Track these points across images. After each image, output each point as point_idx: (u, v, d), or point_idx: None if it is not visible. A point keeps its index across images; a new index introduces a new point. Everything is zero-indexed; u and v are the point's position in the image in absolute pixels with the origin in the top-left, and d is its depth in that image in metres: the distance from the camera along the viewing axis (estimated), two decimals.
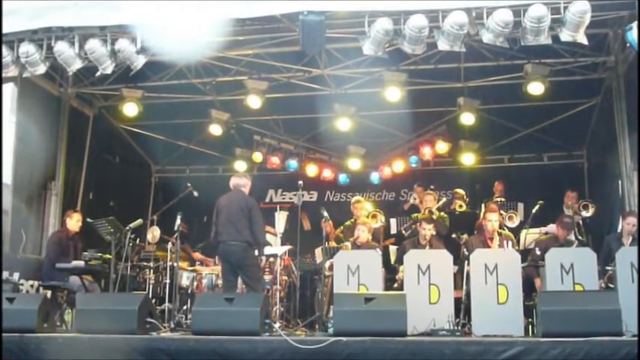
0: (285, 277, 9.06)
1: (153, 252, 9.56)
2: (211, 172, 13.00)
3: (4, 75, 7.84)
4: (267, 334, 6.34)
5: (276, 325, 6.86)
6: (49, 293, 8.20)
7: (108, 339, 6.09)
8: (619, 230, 8.31)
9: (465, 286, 7.62)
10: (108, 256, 8.26)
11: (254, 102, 10.50)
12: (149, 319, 6.67)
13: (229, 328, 6.12)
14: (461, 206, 10.05)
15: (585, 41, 6.96)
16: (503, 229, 8.88)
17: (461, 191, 10.56)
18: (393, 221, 10.26)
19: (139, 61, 7.62)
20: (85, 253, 8.48)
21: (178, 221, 8.09)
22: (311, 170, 12.34)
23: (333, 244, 9.10)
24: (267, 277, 8.72)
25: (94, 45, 7.46)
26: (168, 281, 8.76)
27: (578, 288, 6.95)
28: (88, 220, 8.75)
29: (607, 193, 10.12)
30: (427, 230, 8.53)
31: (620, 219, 8.36)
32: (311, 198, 12.72)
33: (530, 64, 9.47)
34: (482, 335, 6.71)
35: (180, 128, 12.12)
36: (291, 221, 9.56)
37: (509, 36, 7.04)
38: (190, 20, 6.99)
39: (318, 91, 10.78)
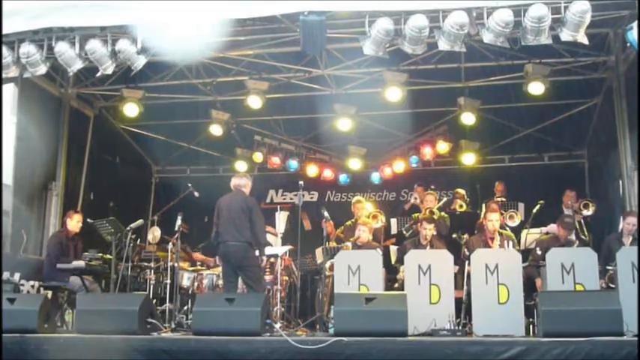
0: (286, 278, 9.04)
1: (153, 252, 9.54)
2: (212, 172, 13.00)
3: (4, 75, 7.85)
4: (268, 334, 6.35)
5: (277, 326, 6.86)
6: (49, 294, 8.18)
7: (109, 339, 6.10)
8: (619, 230, 8.32)
9: (465, 286, 7.62)
10: (108, 256, 8.28)
11: (254, 102, 10.49)
12: (150, 320, 6.68)
13: (230, 329, 6.12)
14: (461, 206, 10.04)
15: (586, 41, 6.95)
16: (504, 229, 8.87)
17: (461, 191, 10.53)
18: (393, 221, 10.27)
19: (140, 62, 7.61)
20: (86, 253, 8.47)
21: (179, 221, 8.11)
22: (311, 170, 12.34)
23: (333, 244, 9.09)
24: (268, 278, 8.71)
25: (94, 45, 7.47)
26: (168, 281, 8.74)
27: (578, 288, 6.95)
28: (89, 220, 8.78)
29: (607, 193, 10.13)
30: (428, 230, 8.53)
31: (621, 219, 8.37)
32: (311, 198, 12.71)
33: (530, 64, 9.47)
34: (483, 335, 6.71)
35: (181, 128, 12.13)
36: (292, 221, 9.57)
37: (510, 36, 7.04)
38: (190, 20, 6.99)
39: (318, 92, 10.79)
